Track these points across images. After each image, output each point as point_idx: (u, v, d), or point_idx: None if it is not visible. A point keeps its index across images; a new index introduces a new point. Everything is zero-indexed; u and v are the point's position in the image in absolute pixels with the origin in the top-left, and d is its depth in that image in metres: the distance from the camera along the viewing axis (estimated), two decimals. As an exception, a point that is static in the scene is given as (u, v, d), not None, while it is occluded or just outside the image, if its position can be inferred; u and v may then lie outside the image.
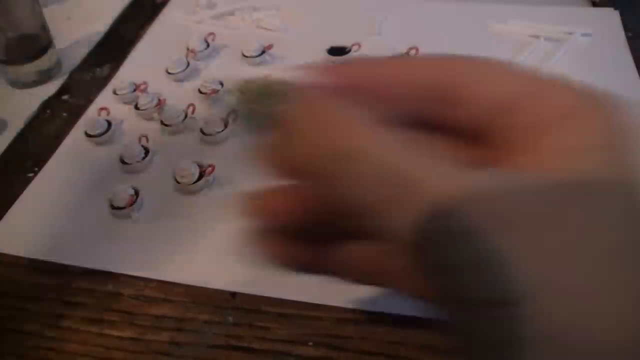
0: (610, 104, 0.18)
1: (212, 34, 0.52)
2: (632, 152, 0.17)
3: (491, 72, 0.20)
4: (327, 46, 0.50)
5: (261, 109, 0.18)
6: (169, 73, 0.49)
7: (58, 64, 0.52)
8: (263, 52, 0.50)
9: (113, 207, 0.38)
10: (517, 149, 0.18)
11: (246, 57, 0.50)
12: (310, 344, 0.31)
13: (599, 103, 0.18)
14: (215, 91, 0.46)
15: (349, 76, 0.20)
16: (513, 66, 0.20)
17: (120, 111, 0.46)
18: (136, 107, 0.46)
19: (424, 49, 0.48)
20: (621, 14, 0.53)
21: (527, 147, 0.18)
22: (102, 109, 0.45)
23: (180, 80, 0.49)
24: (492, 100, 0.19)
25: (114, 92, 0.48)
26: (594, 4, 0.55)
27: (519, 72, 0.20)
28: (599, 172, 0.16)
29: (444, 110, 0.20)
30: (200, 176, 0.39)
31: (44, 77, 0.51)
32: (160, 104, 0.45)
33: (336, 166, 0.16)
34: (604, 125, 0.18)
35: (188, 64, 0.49)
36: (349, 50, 0.50)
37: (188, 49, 0.51)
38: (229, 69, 0.50)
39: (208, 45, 0.52)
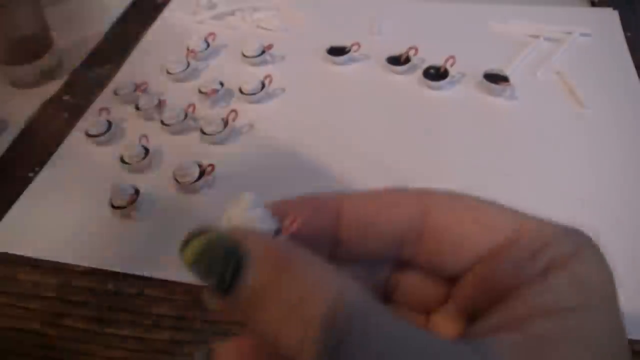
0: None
1: (212, 34, 0.53)
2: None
3: (466, 213, 0.19)
4: (327, 46, 0.50)
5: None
6: (169, 73, 0.49)
7: (59, 64, 0.52)
8: (263, 52, 0.50)
9: (114, 207, 0.38)
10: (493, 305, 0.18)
11: (246, 57, 0.50)
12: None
13: (578, 252, 0.18)
14: (215, 91, 0.46)
15: (315, 216, 0.19)
16: (488, 204, 0.19)
17: (121, 111, 0.47)
18: (136, 107, 0.46)
19: (424, 49, 0.48)
20: (620, 14, 0.53)
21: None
22: (102, 109, 0.45)
23: (181, 80, 0.49)
24: (469, 249, 0.19)
25: (115, 92, 0.48)
26: (593, 4, 0.55)
27: (494, 211, 0.19)
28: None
29: (414, 253, 0.20)
30: (200, 176, 0.39)
31: (45, 77, 0.51)
32: (160, 104, 0.46)
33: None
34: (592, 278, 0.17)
35: (188, 64, 0.49)
36: (349, 50, 0.50)
37: (188, 49, 0.51)
38: (229, 69, 0.50)
39: (208, 46, 0.52)
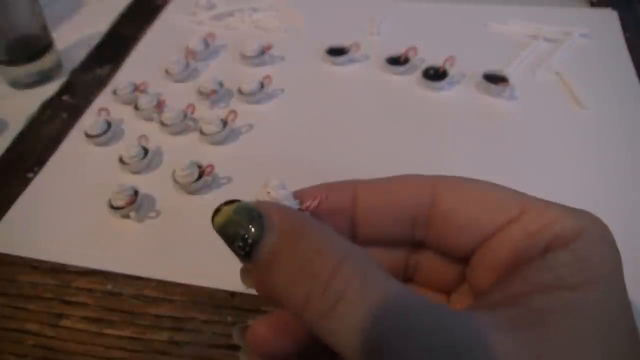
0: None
1: (211, 34, 0.53)
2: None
3: (472, 196, 0.20)
4: (326, 46, 0.50)
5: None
6: (169, 73, 0.49)
7: (58, 65, 0.52)
8: (262, 52, 0.50)
9: (113, 207, 0.38)
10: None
11: (246, 57, 0.50)
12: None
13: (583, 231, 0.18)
14: (215, 92, 0.46)
15: (330, 201, 0.20)
16: (494, 187, 0.20)
17: (120, 111, 0.47)
18: (136, 108, 0.46)
19: (423, 50, 0.48)
20: (619, 14, 0.53)
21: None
22: (102, 109, 0.45)
23: (180, 81, 0.49)
24: (474, 230, 0.19)
25: (114, 93, 0.48)
26: (592, 5, 0.55)
27: (500, 194, 0.20)
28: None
29: (425, 234, 0.21)
30: (200, 176, 0.39)
31: (44, 77, 0.51)
32: (159, 104, 0.46)
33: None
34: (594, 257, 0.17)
35: (188, 64, 0.49)
36: (348, 51, 0.50)
37: (188, 50, 0.51)
38: (228, 70, 0.50)
39: (208, 46, 0.52)
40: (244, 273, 0.21)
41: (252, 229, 0.17)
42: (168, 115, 0.44)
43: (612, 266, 0.17)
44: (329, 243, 0.17)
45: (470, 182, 0.20)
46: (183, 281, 0.34)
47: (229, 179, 0.40)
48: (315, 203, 0.19)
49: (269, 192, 0.19)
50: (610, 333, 0.16)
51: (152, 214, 0.38)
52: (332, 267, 0.16)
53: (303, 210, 0.19)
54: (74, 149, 0.44)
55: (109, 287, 0.34)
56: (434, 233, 0.21)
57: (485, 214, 0.19)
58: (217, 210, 0.18)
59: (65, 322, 0.33)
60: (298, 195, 0.20)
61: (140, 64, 0.53)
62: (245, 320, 0.20)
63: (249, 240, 0.17)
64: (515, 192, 0.20)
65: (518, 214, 0.19)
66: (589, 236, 0.18)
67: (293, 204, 0.19)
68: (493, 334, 0.15)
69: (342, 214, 0.20)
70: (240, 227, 0.17)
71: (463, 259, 0.21)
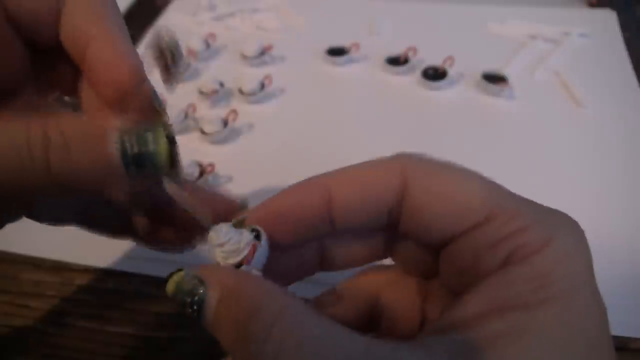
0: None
1: (212, 35, 0.53)
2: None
3: (440, 194, 0.19)
4: (326, 47, 0.51)
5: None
6: (170, 73, 0.49)
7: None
8: (263, 52, 0.50)
9: (114, 206, 0.38)
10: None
11: (246, 57, 0.51)
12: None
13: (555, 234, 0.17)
14: (215, 91, 0.46)
15: (301, 205, 0.20)
16: (464, 183, 0.19)
17: (121, 111, 0.47)
18: (137, 107, 0.46)
19: (423, 50, 0.49)
20: (618, 15, 0.53)
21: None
22: (103, 109, 0.45)
23: (180, 81, 0.50)
24: (439, 231, 0.19)
25: (115, 93, 0.48)
26: (591, 5, 0.56)
27: (469, 193, 0.19)
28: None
29: (399, 225, 0.20)
30: (201, 175, 0.39)
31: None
32: (160, 104, 0.46)
33: None
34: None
35: (189, 64, 0.50)
36: (348, 51, 0.50)
37: (189, 50, 0.51)
38: (229, 70, 0.51)
39: (208, 46, 0.52)
40: None
41: (196, 297, 0.18)
42: (169, 115, 0.44)
43: (577, 279, 0.16)
44: (264, 301, 0.17)
45: (440, 174, 0.20)
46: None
47: (230, 178, 0.41)
48: (253, 252, 0.20)
49: (217, 245, 0.20)
50: (563, 354, 0.15)
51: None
52: (266, 327, 0.16)
53: (244, 263, 0.19)
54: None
55: (110, 285, 0.35)
56: (405, 225, 0.20)
57: (449, 217, 0.19)
58: (168, 278, 0.19)
59: (66, 320, 0.33)
60: (259, 216, 0.20)
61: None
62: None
63: (195, 307, 0.18)
64: (490, 190, 0.19)
65: (483, 220, 0.18)
66: (555, 247, 0.17)
67: (247, 239, 0.20)
68: None
69: (317, 213, 0.20)
70: (187, 295, 0.18)
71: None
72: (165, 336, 0.32)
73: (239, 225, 0.20)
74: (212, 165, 0.40)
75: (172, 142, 0.21)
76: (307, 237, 0.21)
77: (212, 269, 0.19)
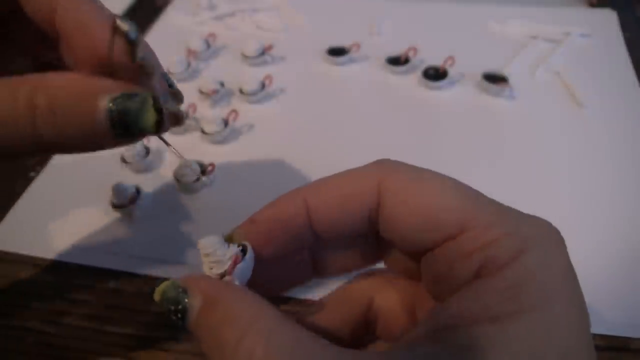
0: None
1: (212, 34, 0.53)
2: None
3: (414, 206, 0.19)
4: (327, 46, 0.51)
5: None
6: (170, 73, 0.49)
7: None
8: (263, 52, 0.50)
9: (114, 206, 0.38)
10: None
11: (246, 57, 0.51)
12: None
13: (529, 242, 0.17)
14: (216, 91, 0.46)
15: (277, 219, 0.21)
16: (440, 193, 0.19)
17: (122, 111, 0.47)
18: (137, 107, 0.46)
19: (423, 50, 0.49)
20: (619, 15, 0.53)
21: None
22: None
23: (181, 81, 0.50)
24: (415, 243, 0.19)
25: (115, 92, 0.48)
26: (592, 5, 0.56)
27: (444, 204, 0.19)
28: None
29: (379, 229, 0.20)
30: (201, 175, 0.39)
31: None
32: (161, 104, 0.46)
33: None
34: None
35: (189, 64, 0.50)
36: (349, 51, 0.50)
37: (189, 50, 0.51)
38: (229, 70, 0.51)
39: (209, 46, 0.52)
40: None
41: (180, 305, 0.19)
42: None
43: (550, 290, 0.16)
44: (237, 310, 0.17)
45: (415, 184, 0.19)
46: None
47: (230, 179, 0.41)
48: (239, 261, 0.20)
49: (205, 255, 0.20)
50: None
51: (153, 212, 0.39)
52: (237, 336, 0.16)
53: (227, 274, 0.20)
54: (75, 148, 0.45)
55: (110, 284, 0.35)
56: (383, 234, 0.21)
57: (422, 231, 0.19)
58: (154, 289, 0.20)
59: (66, 320, 0.33)
60: (238, 232, 0.21)
61: (142, 64, 0.53)
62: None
63: (179, 314, 0.19)
64: (465, 199, 0.18)
65: (458, 231, 0.18)
66: (526, 259, 0.16)
67: (231, 252, 0.20)
68: None
69: (297, 224, 0.21)
70: (172, 303, 0.19)
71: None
72: (165, 336, 0.32)
73: (229, 240, 0.21)
74: (212, 165, 0.40)
75: (158, 108, 0.21)
76: (293, 247, 0.21)
77: (195, 279, 0.19)
